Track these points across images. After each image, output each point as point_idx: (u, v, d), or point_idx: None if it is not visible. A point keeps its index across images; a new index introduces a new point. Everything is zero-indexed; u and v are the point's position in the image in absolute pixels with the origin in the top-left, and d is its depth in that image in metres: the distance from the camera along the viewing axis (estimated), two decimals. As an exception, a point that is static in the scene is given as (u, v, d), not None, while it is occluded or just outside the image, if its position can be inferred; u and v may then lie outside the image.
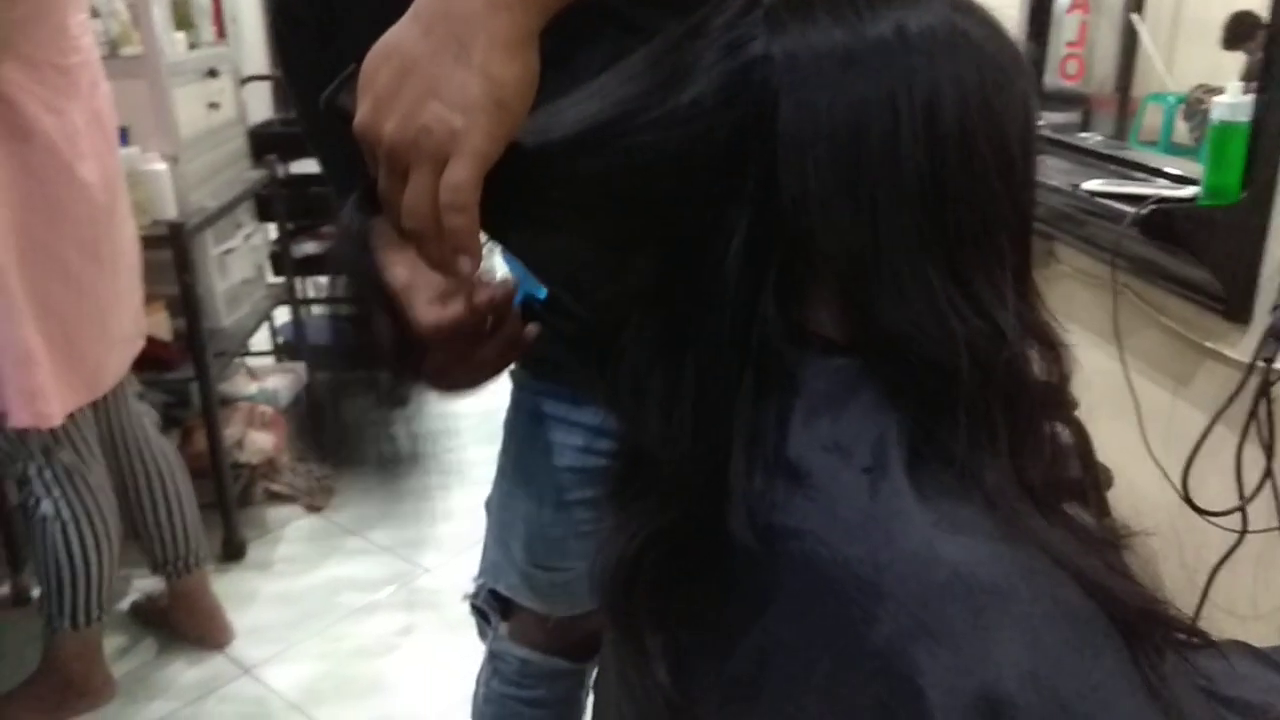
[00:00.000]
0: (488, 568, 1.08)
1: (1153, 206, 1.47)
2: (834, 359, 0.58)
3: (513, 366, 1.07)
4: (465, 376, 0.75)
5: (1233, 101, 1.34)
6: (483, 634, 1.12)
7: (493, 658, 1.10)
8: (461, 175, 0.50)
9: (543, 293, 0.96)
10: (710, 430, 0.57)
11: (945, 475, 0.55)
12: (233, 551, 2.30)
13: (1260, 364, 1.31)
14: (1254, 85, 1.36)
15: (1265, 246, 1.39)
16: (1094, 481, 0.63)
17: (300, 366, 2.87)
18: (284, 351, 3.02)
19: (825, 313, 0.58)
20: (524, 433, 1.03)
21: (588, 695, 1.12)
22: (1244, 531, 1.37)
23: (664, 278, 0.58)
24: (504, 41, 0.50)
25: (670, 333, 0.58)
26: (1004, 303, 0.55)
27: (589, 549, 0.99)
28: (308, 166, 2.89)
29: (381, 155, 0.51)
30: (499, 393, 3.08)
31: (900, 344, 0.55)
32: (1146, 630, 0.55)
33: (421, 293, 0.69)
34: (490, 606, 1.08)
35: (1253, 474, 1.37)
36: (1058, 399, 0.58)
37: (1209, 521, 1.41)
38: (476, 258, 0.53)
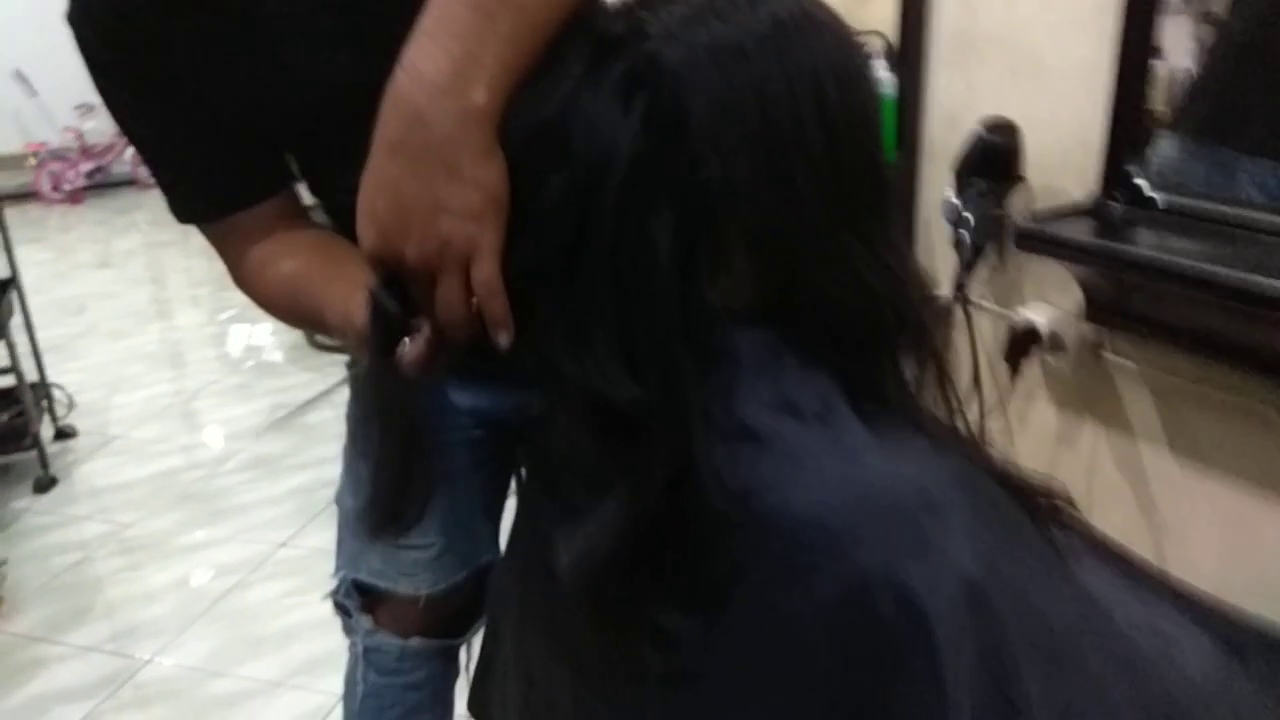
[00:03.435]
0: (346, 560, 1.10)
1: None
2: (752, 330, 0.63)
3: (349, 356, 1.12)
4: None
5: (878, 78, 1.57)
6: (348, 630, 1.13)
7: (368, 652, 1.11)
8: (489, 270, 0.58)
9: None
10: (668, 411, 0.60)
11: (879, 411, 0.62)
12: (-113, 699, 1.91)
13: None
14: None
15: (918, 193, 1.65)
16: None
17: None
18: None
19: (740, 288, 0.63)
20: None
21: (458, 672, 1.17)
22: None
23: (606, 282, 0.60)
24: (482, 151, 0.58)
25: (618, 335, 0.60)
26: (900, 256, 0.64)
27: (447, 523, 1.06)
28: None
29: (407, 274, 0.59)
30: (171, 454, 2.82)
31: (830, 305, 0.61)
32: (1043, 506, 0.66)
33: None
34: (351, 599, 1.10)
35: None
36: (939, 332, 0.68)
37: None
38: (511, 330, 0.61)
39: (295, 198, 0.94)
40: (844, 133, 0.61)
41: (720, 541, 0.60)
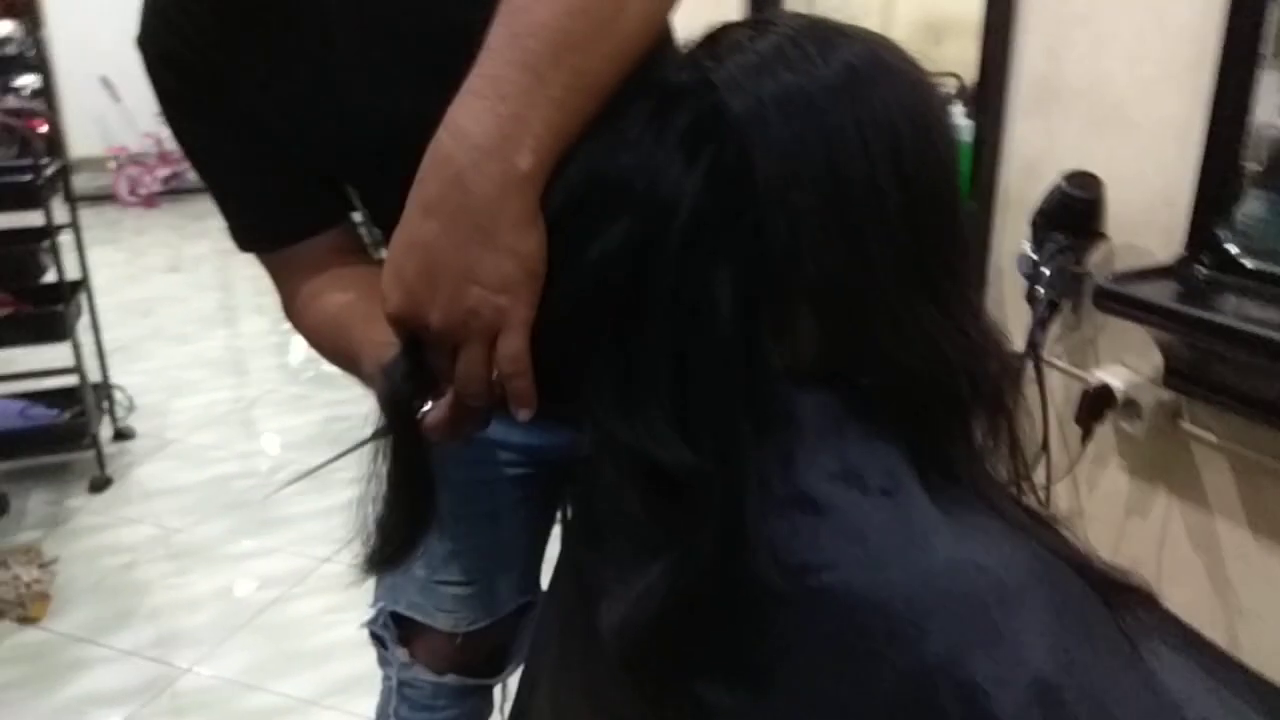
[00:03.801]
0: (385, 591, 1.08)
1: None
2: (815, 394, 0.59)
3: None
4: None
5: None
6: (383, 662, 1.12)
7: (401, 686, 1.10)
8: (517, 345, 0.55)
9: None
10: (722, 477, 0.56)
11: (950, 488, 0.58)
12: (-68, 690, 1.93)
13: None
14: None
15: (992, 243, 1.61)
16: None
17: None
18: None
19: (804, 350, 0.60)
20: None
21: (491, 712, 1.16)
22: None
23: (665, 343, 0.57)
24: (521, 219, 0.55)
25: (671, 394, 0.57)
26: (977, 320, 0.60)
27: (486, 561, 1.04)
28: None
29: (430, 339, 0.56)
30: (226, 460, 2.83)
31: (900, 371, 0.57)
32: (1119, 597, 0.62)
33: None
34: (387, 631, 1.08)
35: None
36: (1018, 402, 0.64)
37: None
38: (533, 408, 0.58)
39: (354, 233, 0.93)
40: (920, 188, 0.57)
41: (772, 616, 0.56)
